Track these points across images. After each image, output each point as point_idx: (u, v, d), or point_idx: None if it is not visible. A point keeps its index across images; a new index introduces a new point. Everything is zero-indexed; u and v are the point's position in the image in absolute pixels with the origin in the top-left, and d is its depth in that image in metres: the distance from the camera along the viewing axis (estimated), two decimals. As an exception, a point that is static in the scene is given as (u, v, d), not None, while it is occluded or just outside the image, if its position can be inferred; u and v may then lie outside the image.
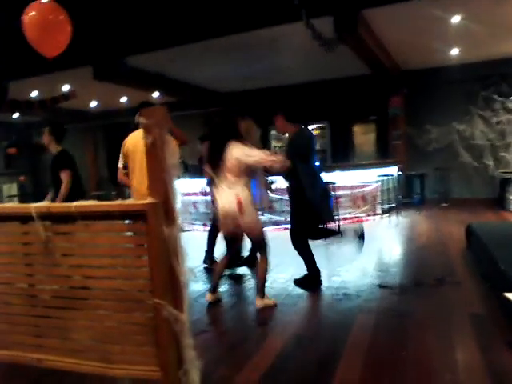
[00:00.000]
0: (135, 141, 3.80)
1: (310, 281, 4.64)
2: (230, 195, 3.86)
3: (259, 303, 4.05)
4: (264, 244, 4.06)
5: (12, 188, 14.76)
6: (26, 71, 8.20)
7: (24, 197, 13.87)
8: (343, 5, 6.29)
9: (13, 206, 2.18)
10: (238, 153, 3.85)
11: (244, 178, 3.92)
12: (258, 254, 4.17)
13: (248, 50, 8.17)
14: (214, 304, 4.21)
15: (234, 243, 4.27)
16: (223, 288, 4.72)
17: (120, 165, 3.91)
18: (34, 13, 4.62)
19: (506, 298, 3.13)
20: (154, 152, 1.77)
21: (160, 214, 1.75)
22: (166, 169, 1.77)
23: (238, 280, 5.10)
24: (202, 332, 3.47)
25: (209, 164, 4.04)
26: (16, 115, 12.97)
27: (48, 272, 2.02)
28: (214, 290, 4.27)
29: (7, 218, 2.05)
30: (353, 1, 6.26)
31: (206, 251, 5.61)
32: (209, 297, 4.25)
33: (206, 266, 5.51)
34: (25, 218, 2.01)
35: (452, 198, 10.46)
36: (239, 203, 3.81)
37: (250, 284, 4.86)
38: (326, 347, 3.18)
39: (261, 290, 4.08)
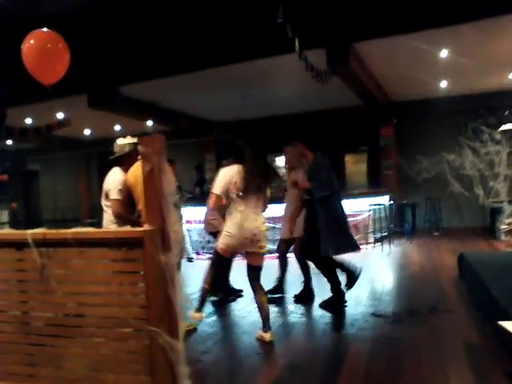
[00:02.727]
0: (135, 174, 3.83)
1: (335, 303, 4.76)
2: (256, 220, 3.90)
3: (262, 336, 3.91)
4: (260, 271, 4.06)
5: (3, 215, 14.62)
6: (22, 98, 8.26)
7: (15, 224, 13.74)
8: (335, 37, 6.47)
9: (8, 232, 2.18)
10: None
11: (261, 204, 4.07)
12: (252, 285, 4.02)
13: (241, 80, 8.32)
14: (199, 331, 4.16)
15: (230, 264, 4.29)
16: (215, 317, 4.68)
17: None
18: (33, 41, 4.71)
19: (501, 327, 3.13)
20: (151, 179, 1.80)
21: (157, 241, 1.77)
22: (163, 196, 1.80)
23: (224, 307, 5.08)
24: (197, 361, 3.42)
25: (244, 188, 3.90)
26: (9, 142, 12.97)
27: (42, 299, 2.02)
28: (200, 308, 4.12)
29: (2, 244, 2.06)
30: (345, 34, 6.44)
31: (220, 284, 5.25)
32: (199, 316, 4.12)
33: (216, 298, 5.30)
34: (20, 245, 2.01)
35: (443, 227, 10.54)
36: (267, 230, 3.97)
37: (241, 313, 4.81)
38: (321, 375, 3.15)
39: (265, 321, 3.95)
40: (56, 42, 4.78)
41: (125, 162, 4.00)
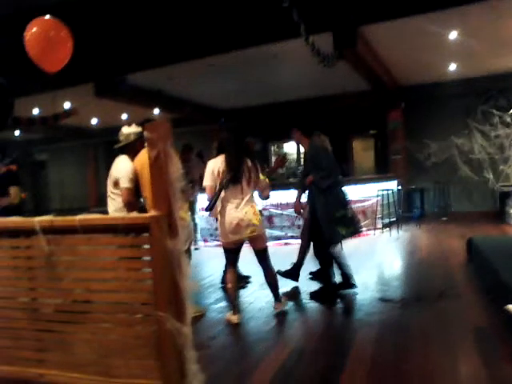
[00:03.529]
0: (141, 161, 3.83)
1: (325, 294, 4.69)
2: (248, 207, 4.04)
3: (279, 307, 4.24)
4: (267, 251, 4.26)
5: (12, 204, 14.74)
6: (29, 88, 8.28)
7: (25, 213, 13.86)
8: (342, 21, 6.38)
9: (16, 220, 2.18)
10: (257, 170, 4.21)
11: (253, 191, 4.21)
12: (261, 266, 4.25)
13: (248, 66, 8.26)
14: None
15: (237, 255, 4.28)
16: (223, 303, 4.70)
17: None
18: (35, 28, 4.69)
19: (509, 311, 3.12)
20: (157, 165, 1.79)
21: (164, 227, 1.76)
22: (169, 182, 1.79)
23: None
24: (205, 347, 3.45)
25: (229, 178, 4.04)
26: (17, 132, 13.03)
27: (51, 286, 2.03)
28: (235, 309, 4.17)
29: (11, 232, 2.07)
30: (352, 17, 6.35)
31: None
32: (236, 318, 4.07)
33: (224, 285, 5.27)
34: (28, 232, 2.02)
35: (452, 212, 10.48)
36: (255, 210, 4.06)
37: (249, 299, 4.83)
38: (328, 361, 3.16)
39: (277, 294, 4.28)
40: (59, 29, 4.77)
41: (130, 150, 4.01)
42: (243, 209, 4.02)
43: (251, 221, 4.00)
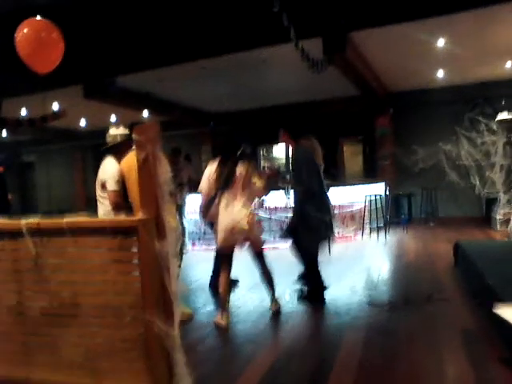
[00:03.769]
0: (128, 165, 3.82)
1: (314, 295, 4.72)
2: (241, 211, 4.08)
3: (275, 307, 4.34)
4: (264, 254, 4.37)
5: (-1, 207, 14.55)
6: (16, 89, 8.20)
7: (12, 216, 13.68)
8: (332, 26, 6.42)
9: (3, 221, 2.16)
10: (253, 173, 4.23)
11: (248, 195, 4.22)
12: (259, 268, 4.37)
13: (239, 70, 8.27)
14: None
15: (231, 259, 4.29)
16: (213, 306, 4.69)
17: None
18: (26, 30, 4.67)
19: (496, 314, 3.15)
20: (146, 168, 1.79)
21: (152, 230, 1.76)
22: (157, 184, 1.79)
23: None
24: (193, 350, 3.43)
25: (218, 181, 4.14)
26: (4, 134, 12.89)
27: (37, 289, 2.01)
28: (224, 312, 4.13)
29: (-3, 234, 2.05)
30: (341, 23, 6.39)
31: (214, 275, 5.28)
32: (225, 321, 4.06)
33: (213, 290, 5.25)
34: (15, 234, 2.00)
35: (439, 217, 10.57)
36: (251, 218, 4.10)
37: (237, 303, 4.81)
38: (316, 364, 3.17)
39: (274, 295, 4.39)
40: (50, 30, 4.75)
41: (117, 151, 3.99)
42: (238, 213, 4.07)
43: (245, 225, 4.05)
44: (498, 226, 8.64)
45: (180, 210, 7.70)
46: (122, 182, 3.85)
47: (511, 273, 4.14)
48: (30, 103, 9.41)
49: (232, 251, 4.22)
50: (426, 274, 5.61)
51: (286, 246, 5.33)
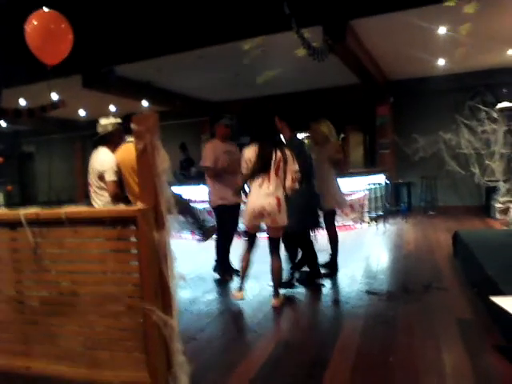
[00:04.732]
0: (122, 157, 3.82)
1: (312, 277, 4.93)
2: (272, 194, 4.21)
3: (276, 303, 4.27)
4: (279, 241, 4.44)
5: (-1, 197, 14.58)
6: (16, 79, 8.17)
7: (11, 206, 13.69)
8: (332, 14, 6.38)
9: (2, 212, 2.17)
10: (289, 158, 4.29)
11: (281, 180, 4.31)
12: (270, 254, 4.39)
13: (237, 59, 8.22)
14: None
15: (254, 239, 4.48)
16: (212, 296, 4.72)
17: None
18: (36, 22, 4.69)
19: (493, 302, 3.17)
20: (144, 158, 1.79)
21: (150, 220, 1.77)
22: (156, 174, 1.79)
23: (224, 286, 5.13)
24: (192, 339, 3.46)
25: (258, 166, 4.25)
26: (3, 124, 12.87)
27: (37, 278, 2.02)
28: (242, 286, 4.52)
29: (-4, 224, 2.05)
30: (342, 11, 6.35)
31: (219, 261, 5.44)
32: (241, 294, 4.48)
33: (217, 275, 5.42)
34: (14, 225, 2.01)
35: (439, 206, 10.58)
36: (279, 202, 4.21)
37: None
38: (314, 353, 3.19)
39: (277, 290, 4.35)
40: (59, 22, 4.79)
41: (109, 141, 3.99)
42: (267, 198, 4.19)
43: (272, 211, 4.18)
44: (498, 215, 8.65)
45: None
46: (119, 172, 3.85)
47: (509, 262, 4.16)
48: (28, 93, 9.39)
49: (256, 231, 4.45)
50: (425, 264, 5.63)
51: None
